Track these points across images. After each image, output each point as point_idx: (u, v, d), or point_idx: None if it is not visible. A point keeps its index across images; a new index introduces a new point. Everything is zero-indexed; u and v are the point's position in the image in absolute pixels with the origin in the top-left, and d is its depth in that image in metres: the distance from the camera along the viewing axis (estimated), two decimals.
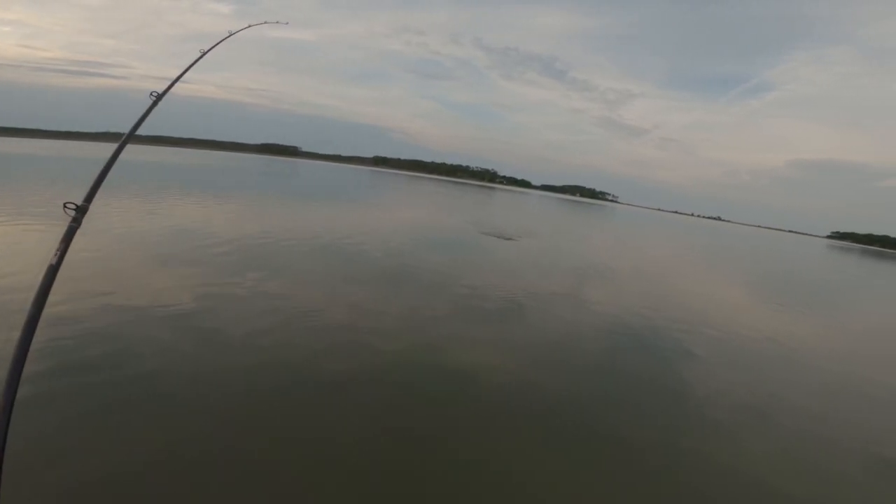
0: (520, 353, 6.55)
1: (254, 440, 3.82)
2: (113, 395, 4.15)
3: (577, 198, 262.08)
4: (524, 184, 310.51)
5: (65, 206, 1.41)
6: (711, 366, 7.25)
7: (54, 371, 4.35)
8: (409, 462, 3.81)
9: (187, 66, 2.44)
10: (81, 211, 1.44)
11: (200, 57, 2.57)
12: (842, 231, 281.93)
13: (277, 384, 4.76)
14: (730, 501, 3.94)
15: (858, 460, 4.94)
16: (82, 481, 3.13)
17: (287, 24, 3.83)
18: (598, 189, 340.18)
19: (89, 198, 1.51)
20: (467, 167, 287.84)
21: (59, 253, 1.32)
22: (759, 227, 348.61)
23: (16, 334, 1.14)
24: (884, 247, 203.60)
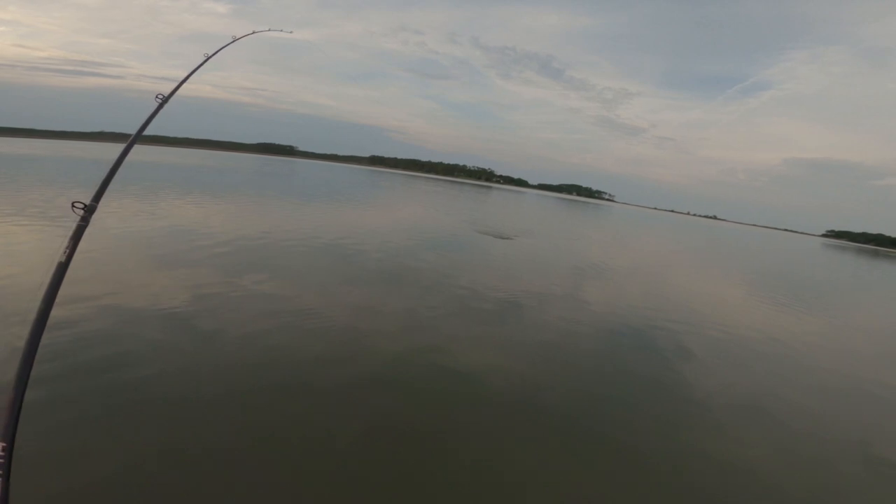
0: (517, 353, 6.57)
1: (254, 440, 3.83)
2: (112, 396, 4.15)
3: (574, 197, 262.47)
4: (521, 183, 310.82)
5: (73, 206, 1.43)
6: (709, 364, 7.29)
7: (53, 371, 4.35)
8: (409, 462, 3.82)
9: (192, 69, 2.47)
10: (90, 210, 1.47)
11: (205, 61, 2.59)
12: (837, 230, 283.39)
13: (277, 385, 4.76)
14: (729, 499, 3.97)
15: (855, 458, 4.98)
16: (82, 482, 3.13)
17: (291, 32, 3.86)
18: (594, 188, 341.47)
19: (97, 197, 1.54)
20: (464, 166, 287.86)
21: (67, 251, 1.35)
22: (754, 225, 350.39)
23: (25, 329, 1.17)
24: (879, 246, 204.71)
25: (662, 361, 7.03)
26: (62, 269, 1.31)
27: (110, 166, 1.66)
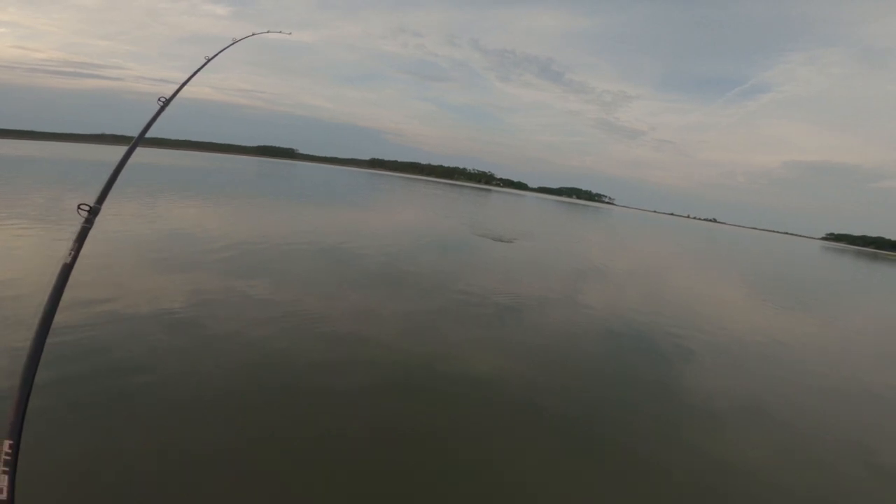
0: (517, 355, 6.57)
1: (254, 441, 3.82)
2: (112, 398, 4.14)
3: (574, 200, 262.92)
4: (521, 186, 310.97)
5: (78, 208, 1.46)
6: (709, 365, 7.29)
7: (53, 372, 4.35)
8: (409, 463, 3.82)
9: (193, 72, 2.48)
10: (94, 212, 1.49)
11: (206, 63, 2.61)
12: (836, 233, 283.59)
13: (277, 387, 4.76)
14: (730, 500, 3.97)
15: (855, 459, 4.98)
16: (82, 482, 3.13)
17: (290, 34, 3.86)
18: (594, 191, 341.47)
19: (101, 200, 1.57)
20: (464, 169, 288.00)
21: (73, 253, 1.38)
22: (754, 228, 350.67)
23: (29, 330, 1.21)
24: (878, 248, 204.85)
25: (662, 363, 7.02)
26: (67, 270, 1.35)
27: (113, 169, 1.72)
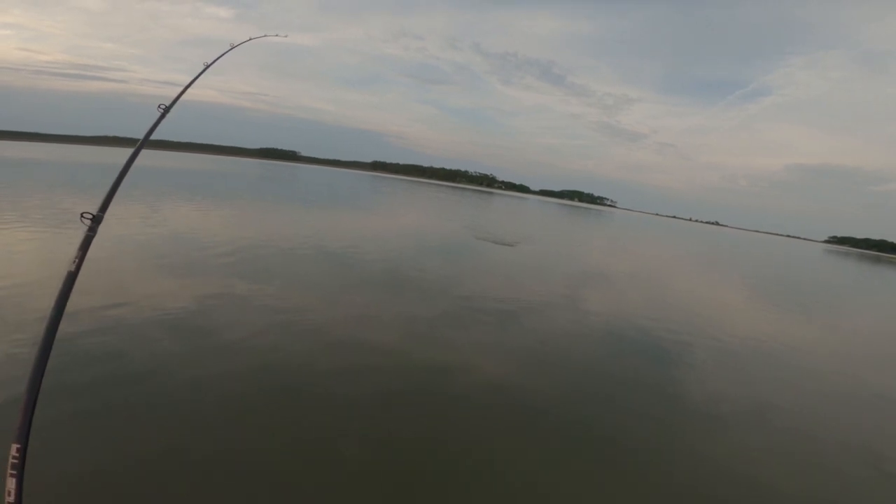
0: (520, 359, 6.55)
1: (254, 442, 3.82)
2: (114, 399, 4.15)
3: (576, 203, 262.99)
4: (522, 188, 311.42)
5: (81, 217, 1.48)
6: (711, 369, 7.25)
7: (52, 372, 4.35)
8: (409, 464, 3.81)
9: (192, 78, 2.49)
10: (97, 220, 1.51)
11: (204, 70, 2.61)
12: (839, 235, 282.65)
13: (278, 389, 4.76)
14: (729, 500, 3.95)
15: (857, 461, 4.95)
16: (80, 483, 3.13)
17: (286, 36, 3.89)
18: (596, 194, 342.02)
19: (104, 207, 1.59)
20: (466, 172, 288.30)
21: (77, 260, 1.40)
22: (757, 231, 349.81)
23: (37, 338, 1.19)
24: (881, 251, 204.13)
25: (665, 366, 7.00)
26: (72, 277, 1.38)
27: (116, 175, 1.74)
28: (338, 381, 5.09)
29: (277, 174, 68.76)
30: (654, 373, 6.73)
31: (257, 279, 8.58)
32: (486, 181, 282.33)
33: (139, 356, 5.01)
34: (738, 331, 10.08)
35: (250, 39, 3.25)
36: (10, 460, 1.06)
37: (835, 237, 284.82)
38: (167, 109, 2.08)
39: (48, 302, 1.27)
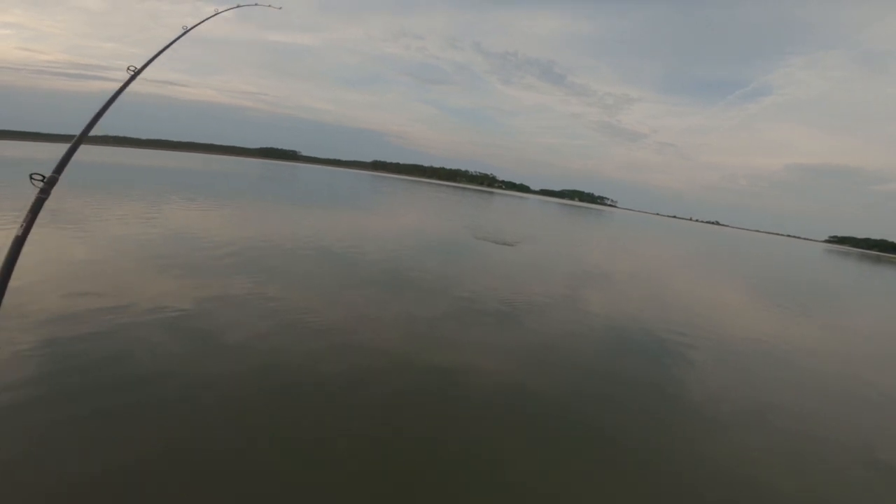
0: (520, 359, 6.55)
1: (254, 442, 3.82)
2: (114, 399, 4.14)
3: (576, 202, 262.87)
4: (523, 188, 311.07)
5: (31, 178, 1.35)
6: (712, 368, 7.25)
7: (53, 374, 4.36)
8: (409, 464, 3.81)
9: (170, 41, 2.44)
10: (50, 182, 1.40)
11: (184, 33, 2.57)
12: (840, 235, 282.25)
13: (278, 388, 4.76)
14: (729, 499, 3.95)
15: (858, 462, 4.95)
16: (80, 484, 3.12)
17: (280, 8, 3.69)
18: (596, 193, 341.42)
19: (59, 169, 1.49)
20: (466, 172, 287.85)
21: (25, 224, 1.30)
22: (757, 231, 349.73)
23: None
24: (882, 251, 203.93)
25: (665, 366, 6.99)
26: (19, 242, 1.28)
27: (75, 139, 1.65)
28: (338, 380, 5.08)
29: (278, 174, 68.74)
30: (655, 372, 6.72)
31: (258, 279, 8.57)
32: (487, 181, 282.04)
33: (139, 357, 5.00)
34: (738, 330, 10.07)
35: (238, 7, 3.18)
36: None
37: (835, 237, 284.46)
38: (137, 72, 2.04)
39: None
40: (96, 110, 1.96)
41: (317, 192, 38.86)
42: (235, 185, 36.21)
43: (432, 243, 17.13)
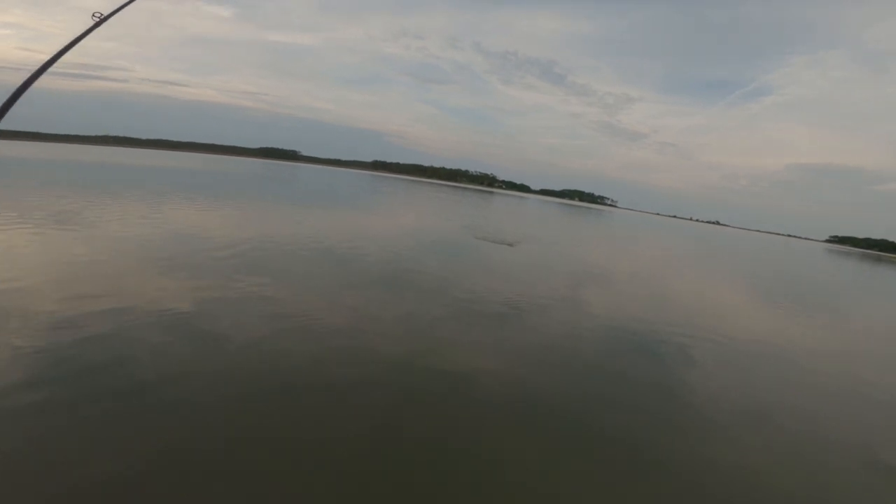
0: (520, 359, 6.55)
1: (254, 442, 3.82)
2: (114, 400, 4.15)
3: (576, 202, 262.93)
4: (523, 188, 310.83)
5: None
6: (712, 368, 7.24)
7: (54, 375, 4.37)
8: (410, 463, 3.81)
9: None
10: None
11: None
12: (840, 235, 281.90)
13: (278, 388, 4.76)
14: (729, 499, 3.97)
15: (857, 461, 4.94)
16: (79, 484, 3.13)
17: None
18: (596, 193, 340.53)
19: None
20: (466, 171, 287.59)
21: None
22: (758, 231, 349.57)
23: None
24: (882, 251, 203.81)
25: (666, 365, 6.99)
26: None
27: (16, 87, 1.55)
28: (338, 381, 5.09)
29: (278, 174, 68.80)
30: (655, 372, 6.71)
31: (258, 280, 8.57)
32: (487, 181, 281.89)
33: (140, 357, 5.00)
34: (738, 330, 10.07)
35: None
36: None
37: (836, 237, 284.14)
38: (103, 19, 2.00)
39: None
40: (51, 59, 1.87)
41: (317, 192, 38.89)
42: (235, 185, 36.23)
43: (432, 243, 17.14)
